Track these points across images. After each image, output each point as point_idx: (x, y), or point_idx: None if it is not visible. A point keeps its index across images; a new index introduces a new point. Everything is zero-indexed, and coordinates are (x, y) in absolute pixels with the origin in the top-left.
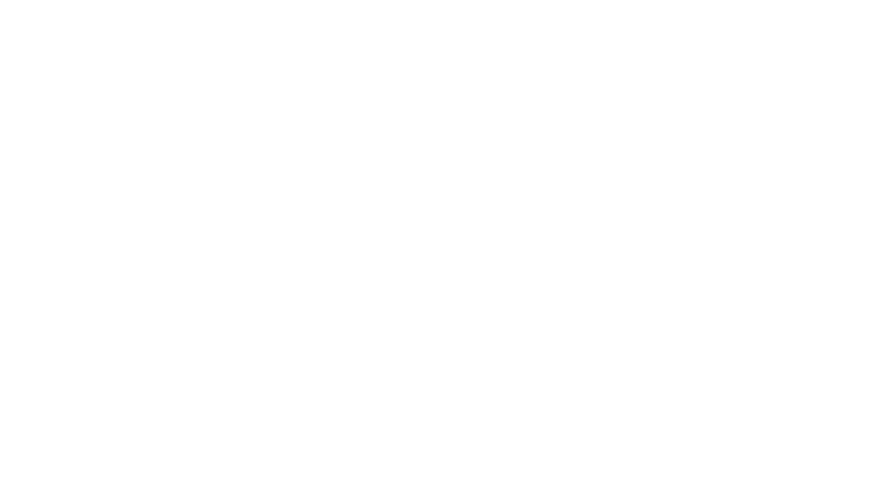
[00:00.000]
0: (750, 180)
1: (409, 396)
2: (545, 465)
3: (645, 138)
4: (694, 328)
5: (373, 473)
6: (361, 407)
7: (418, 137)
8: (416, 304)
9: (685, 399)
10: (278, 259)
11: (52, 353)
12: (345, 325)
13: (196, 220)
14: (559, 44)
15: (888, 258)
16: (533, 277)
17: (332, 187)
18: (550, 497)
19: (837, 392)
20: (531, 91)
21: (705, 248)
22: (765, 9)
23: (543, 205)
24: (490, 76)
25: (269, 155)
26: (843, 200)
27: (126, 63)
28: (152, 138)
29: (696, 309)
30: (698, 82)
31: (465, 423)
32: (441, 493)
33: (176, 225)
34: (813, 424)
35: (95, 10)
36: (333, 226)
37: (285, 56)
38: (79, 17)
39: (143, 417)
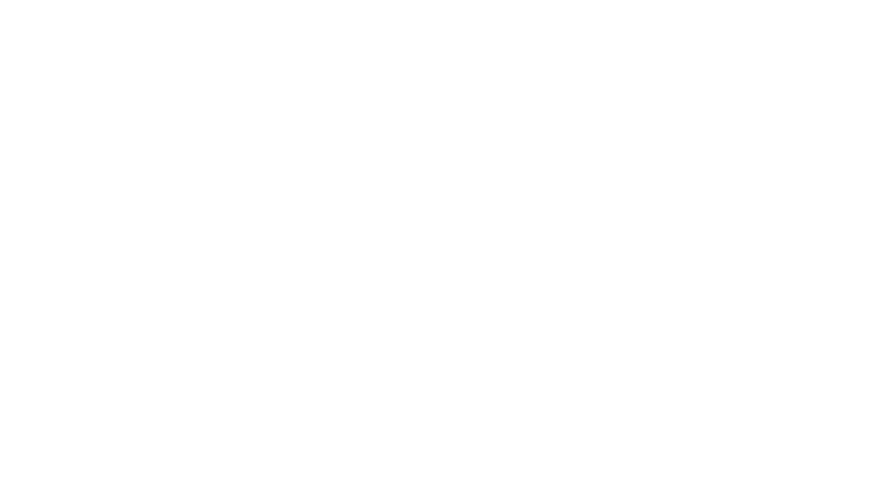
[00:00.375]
0: (750, 180)
1: (409, 396)
2: (543, 465)
3: (645, 138)
4: (693, 328)
5: (372, 473)
6: (361, 407)
7: (418, 137)
8: (416, 304)
9: (685, 399)
10: (278, 258)
11: (52, 353)
12: (344, 324)
13: (196, 219)
14: (559, 44)
15: (888, 258)
16: (532, 277)
17: (332, 187)
18: (549, 497)
19: (837, 392)
20: (531, 91)
21: (705, 248)
22: (765, 9)
23: (543, 205)
24: (490, 76)
25: (270, 155)
26: (843, 200)
27: (126, 63)
28: (152, 138)
29: (695, 309)
30: (698, 82)
31: (464, 423)
32: (440, 493)
33: (176, 225)
34: (812, 424)
35: (95, 10)
36: (333, 225)
37: (285, 56)
38: (79, 17)
39: (143, 417)
